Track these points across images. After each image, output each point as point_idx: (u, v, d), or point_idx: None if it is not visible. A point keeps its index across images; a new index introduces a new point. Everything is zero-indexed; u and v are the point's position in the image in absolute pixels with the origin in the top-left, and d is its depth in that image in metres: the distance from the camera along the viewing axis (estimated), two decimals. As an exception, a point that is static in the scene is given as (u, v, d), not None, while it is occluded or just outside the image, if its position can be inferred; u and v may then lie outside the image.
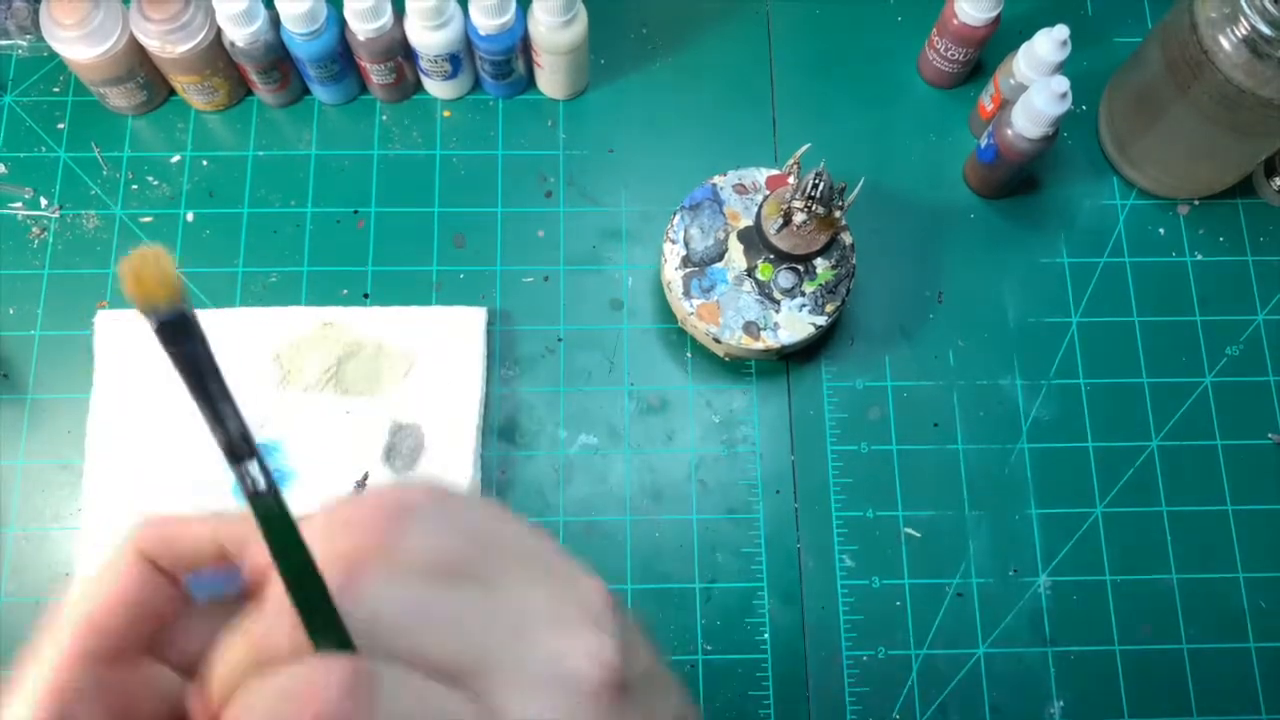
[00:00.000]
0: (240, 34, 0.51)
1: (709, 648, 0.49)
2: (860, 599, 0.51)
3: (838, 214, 0.47)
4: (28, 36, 0.57)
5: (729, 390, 0.54)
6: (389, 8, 0.52)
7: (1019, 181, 0.57)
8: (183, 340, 0.20)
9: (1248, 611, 0.52)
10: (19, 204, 0.55)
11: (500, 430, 0.52)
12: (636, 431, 0.53)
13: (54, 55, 0.54)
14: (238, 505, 0.21)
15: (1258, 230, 0.58)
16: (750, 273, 0.50)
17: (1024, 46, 0.53)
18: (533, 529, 0.22)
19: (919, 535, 0.52)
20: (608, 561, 0.49)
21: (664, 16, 0.61)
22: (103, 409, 0.50)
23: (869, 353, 0.55)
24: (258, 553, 0.20)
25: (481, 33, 0.53)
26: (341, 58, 0.54)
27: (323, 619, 0.18)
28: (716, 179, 0.52)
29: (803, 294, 0.50)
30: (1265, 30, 0.46)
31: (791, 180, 0.48)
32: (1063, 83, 0.49)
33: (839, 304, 0.50)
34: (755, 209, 0.51)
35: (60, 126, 0.56)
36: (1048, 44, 0.51)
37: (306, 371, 0.50)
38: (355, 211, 0.56)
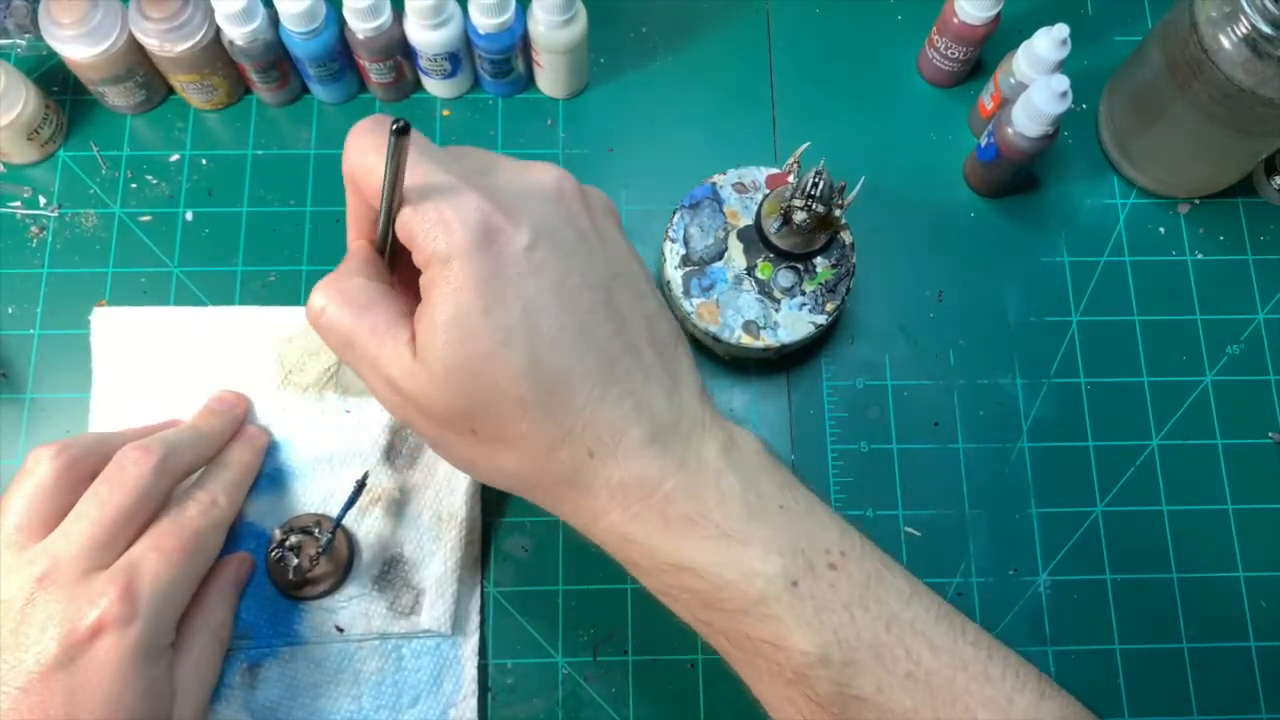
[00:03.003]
0: (239, 33, 0.51)
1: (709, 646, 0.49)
2: (860, 598, 0.51)
3: (837, 213, 0.47)
4: (26, 35, 0.57)
5: (729, 389, 0.54)
6: (388, 6, 0.52)
7: (1019, 180, 0.57)
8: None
9: (1248, 611, 0.52)
10: (18, 203, 0.55)
11: (500, 429, 0.52)
12: (636, 431, 0.53)
13: (53, 54, 0.54)
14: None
15: (1258, 229, 0.58)
16: (750, 272, 0.50)
17: (1024, 45, 0.53)
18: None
19: (919, 534, 0.52)
20: (609, 564, 0.49)
21: (664, 16, 0.61)
22: (103, 408, 0.50)
23: (869, 352, 0.55)
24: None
25: (481, 32, 0.53)
26: (341, 56, 0.54)
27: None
28: (716, 178, 0.52)
29: (802, 293, 0.50)
30: (1265, 29, 0.46)
31: (791, 179, 0.47)
32: (1063, 81, 0.49)
33: (839, 303, 0.50)
34: (755, 208, 0.50)
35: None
36: (1048, 43, 0.51)
37: (307, 371, 0.50)
38: (355, 210, 0.56)
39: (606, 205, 0.38)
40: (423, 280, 0.33)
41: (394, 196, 0.33)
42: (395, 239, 0.35)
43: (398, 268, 0.38)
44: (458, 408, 0.33)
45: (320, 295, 0.35)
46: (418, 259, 0.33)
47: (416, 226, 0.33)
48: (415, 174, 0.33)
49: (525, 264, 0.33)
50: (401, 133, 0.31)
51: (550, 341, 0.32)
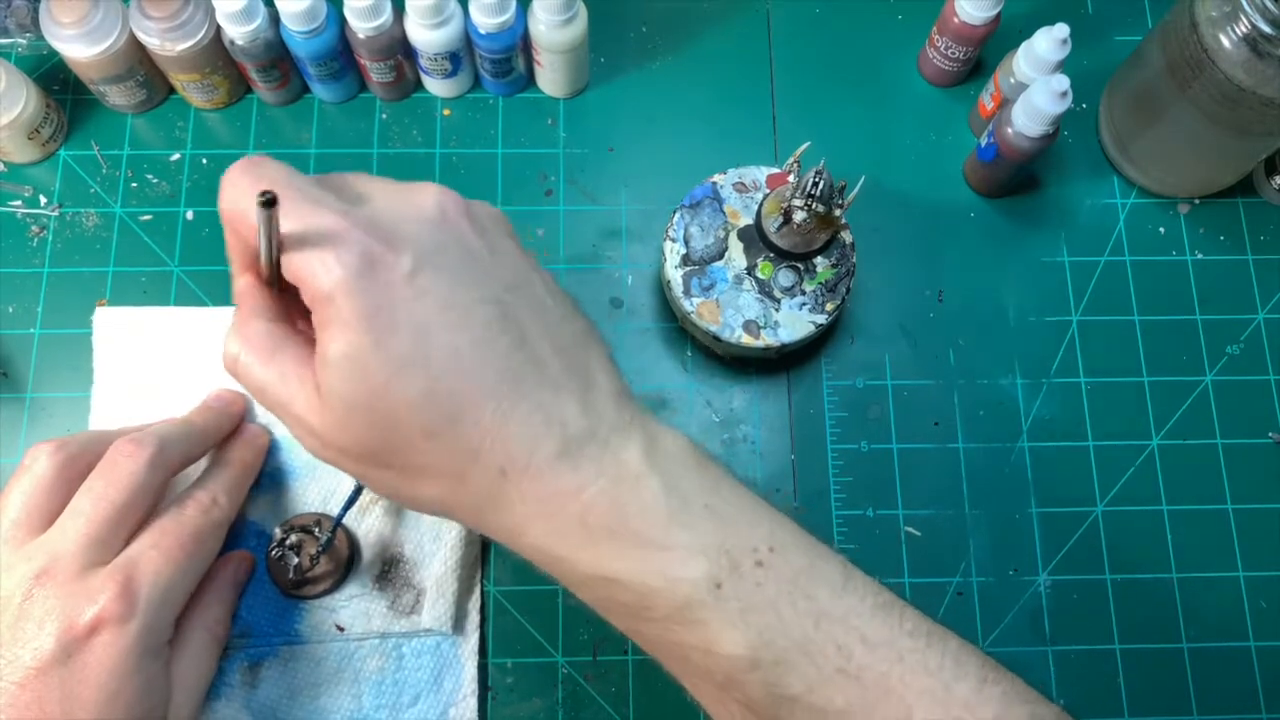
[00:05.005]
0: (240, 32, 0.51)
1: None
2: (860, 598, 0.51)
3: (838, 212, 0.47)
4: (27, 35, 0.57)
5: (729, 389, 0.54)
6: (389, 6, 0.52)
7: (1019, 180, 0.57)
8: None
9: (1248, 611, 0.52)
10: (18, 202, 0.55)
11: (500, 429, 0.52)
12: (636, 430, 0.53)
13: (53, 53, 0.54)
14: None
15: (1258, 229, 0.58)
16: (750, 271, 0.50)
17: (1024, 45, 0.53)
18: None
19: (919, 534, 0.52)
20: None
21: (664, 15, 0.61)
22: (103, 407, 0.50)
23: (869, 351, 0.55)
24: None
25: (481, 31, 0.53)
26: (341, 56, 0.54)
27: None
28: (716, 177, 0.52)
29: (803, 292, 0.50)
30: (1265, 29, 0.46)
31: (791, 179, 0.47)
32: (1063, 81, 0.49)
33: (839, 303, 0.50)
34: (755, 207, 0.50)
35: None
36: (1048, 42, 0.51)
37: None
38: (355, 210, 0.56)
39: (495, 217, 0.37)
40: (314, 321, 0.33)
41: (273, 252, 0.33)
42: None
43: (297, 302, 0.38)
44: (365, 444, 0.33)
45: (233, 343, 0.36)
46: (306, 299, 0.33)
47: (298, 269, 0.32)
48: (290, 217, 0.33)
49: (409, 290, 0.32)
50: (268, 204, 0.31)
51: (445, 365, 0.32)
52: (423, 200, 0.35)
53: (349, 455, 0.34)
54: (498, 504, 0.33)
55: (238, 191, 0.35)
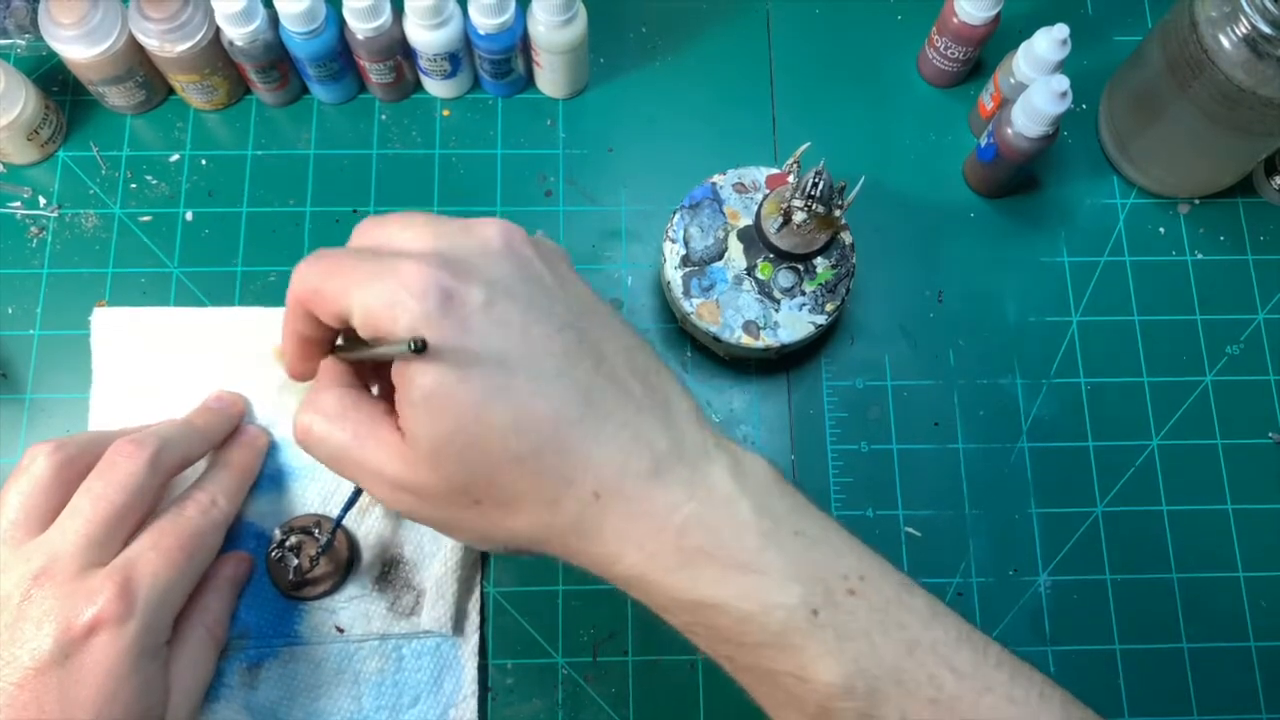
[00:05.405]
0: (239, 33, 0.51)
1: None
2: (860, 598, 0.51)
3: (837, 213, 0.47)
4: (26, 36, 0.57)
5: (729, 390, 0.54)
6: (388, 7, 0.52)
7: (1019, 181, 0.57)
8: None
9: (1248, 611, 0.52)
10: (17, 203, 0.55)
11: (500, 430, 0.52)
12: (636, 431, 0.53)
13: (52, 54, 0.54)
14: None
15: (1258, 229, 0.58)
16: (750, 272, 0.50)
17: (1024, 45, 0.53)
18: None
19: (919, 535, 0.52)
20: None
21: (664, 16, 0.61)
22: (102, 408, 0.50)
23: (869, 352, 0.55)
24: None
25: (481, 32, 0.53)
26: (341, 57, 0.54)
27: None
28: (716, 178, 0.52)
29: (803, 293, 0.50)
30: (1265, 29, 0.46)
31: (791, 179, 0.47)
32: (1063, 81, 0.49)
33: (839, 303, 0.50)
34: (755, 208, 0.50)
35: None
36: (1047, 43, 0.51)
37: (306, 371, 0.50)
38: (354, 211, 0.56)
39: (558, 251, 0.37)
40: (395, 368, 0.33)
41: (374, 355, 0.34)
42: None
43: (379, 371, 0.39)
44: (455, 482, 0.33)
45: (304, 415, 0.36)
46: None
47: (376, 318, 0.32)
48: (358, 274, 0.33)
49: (486, 321, 0.32)
50: (420, 350, 0.30)
51: (530, 392, 0.32)
52: (488, 233, 0.35)
53: (434, 499, 0.34)
54: (590, 529, 0.33)
55: (311, 274, 0.35)
